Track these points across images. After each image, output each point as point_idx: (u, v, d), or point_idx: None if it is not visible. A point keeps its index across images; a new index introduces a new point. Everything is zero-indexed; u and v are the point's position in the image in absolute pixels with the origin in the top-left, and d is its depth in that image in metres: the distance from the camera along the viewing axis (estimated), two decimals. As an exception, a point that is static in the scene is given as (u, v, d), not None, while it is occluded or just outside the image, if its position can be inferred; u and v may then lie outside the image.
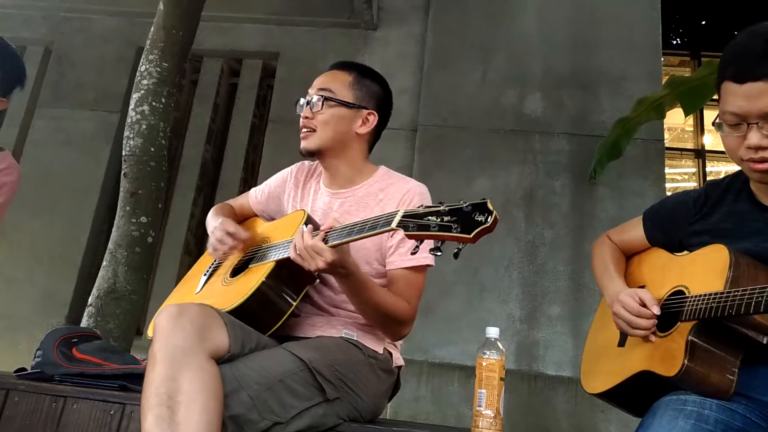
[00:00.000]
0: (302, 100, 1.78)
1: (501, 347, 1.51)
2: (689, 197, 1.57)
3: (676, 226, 1.56)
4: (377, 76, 1.86)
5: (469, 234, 1.13)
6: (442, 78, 4.19)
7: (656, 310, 1.38)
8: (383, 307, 1.54)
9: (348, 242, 1.37)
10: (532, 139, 3.98)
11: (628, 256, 1.71)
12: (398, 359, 1.74)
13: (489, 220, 1.13)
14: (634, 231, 1.68)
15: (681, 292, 1.40)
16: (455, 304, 3.65)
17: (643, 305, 1.40)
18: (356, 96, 1.77)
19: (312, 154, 1.77)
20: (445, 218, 1.17)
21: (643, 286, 1.55)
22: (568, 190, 3.85)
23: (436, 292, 3.54)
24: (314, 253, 1.38)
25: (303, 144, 1.75)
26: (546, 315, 3.62)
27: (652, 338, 1.38)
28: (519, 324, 3.61)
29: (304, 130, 1.75)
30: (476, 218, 1.14)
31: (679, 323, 1.34)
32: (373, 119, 1.79)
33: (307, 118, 1.75)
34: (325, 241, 1.39)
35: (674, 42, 5.69)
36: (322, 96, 1.74)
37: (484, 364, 1.49)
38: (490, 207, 1.14)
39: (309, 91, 1.79)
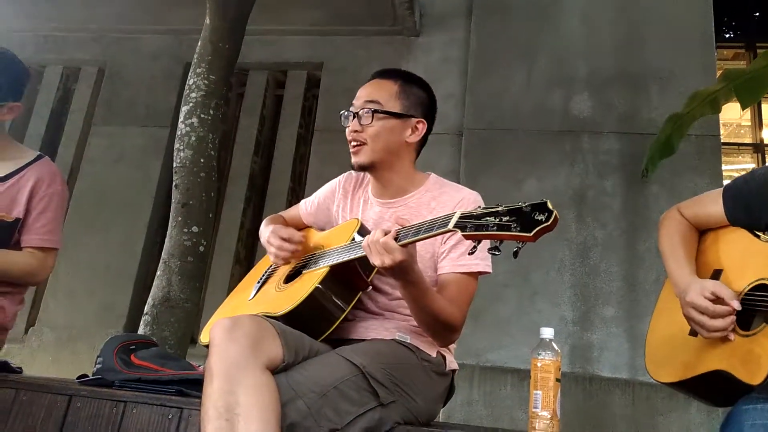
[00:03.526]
0: (346, 113, 1.73)
1: (556, 348, 1.47)
2: None
3: (766, 207, 1.40)
4: (421, 81, 1.81)
5: (530, 233, 1.12)
6: (487, 81, 4.16)
7: (736, 305, 1.25)
8: (440, 315, 1.51)
9: (414, 242, 1.36)
10: (581, 139, 3.91)
11: (702, 231, 1.54)
12: (452, 363, 1.71)
13: (549, 219, 1.12)
14: (712, 207, 1.50)
15: (766, 287, 1.28)
16: (506, 307, 3.60)
17: (718, 301, 1.27)
18: (404, 105, 1.72)
19: (364, 168, 1.72)
20: (504, 218, 1.16)
21: (719, 271, 1.41)
22: (620, 190, 3.76)
23: (487, 297, 3.50)
24: (383, 250, 1.36)
25: (354, 159, 1.69)
26: (600, 316, 3.53)
27: (732, 337, 1.27)
28: (572, 326, 3.54)
29: (354, 144, 1.69)
30: (536, 217, 1.13)
31: (764, 325, 1.22)
32: (423, 127, 1.75)
33: (356, 131, 1.69)
34: (396, 239, 1.37)
35: (727, 36, 5.51)
36: (370, 108, 1.68)
37: (539, 365, 1.45)
38: (550, 206, 1.13)
39: (354, 102, 1.73)
